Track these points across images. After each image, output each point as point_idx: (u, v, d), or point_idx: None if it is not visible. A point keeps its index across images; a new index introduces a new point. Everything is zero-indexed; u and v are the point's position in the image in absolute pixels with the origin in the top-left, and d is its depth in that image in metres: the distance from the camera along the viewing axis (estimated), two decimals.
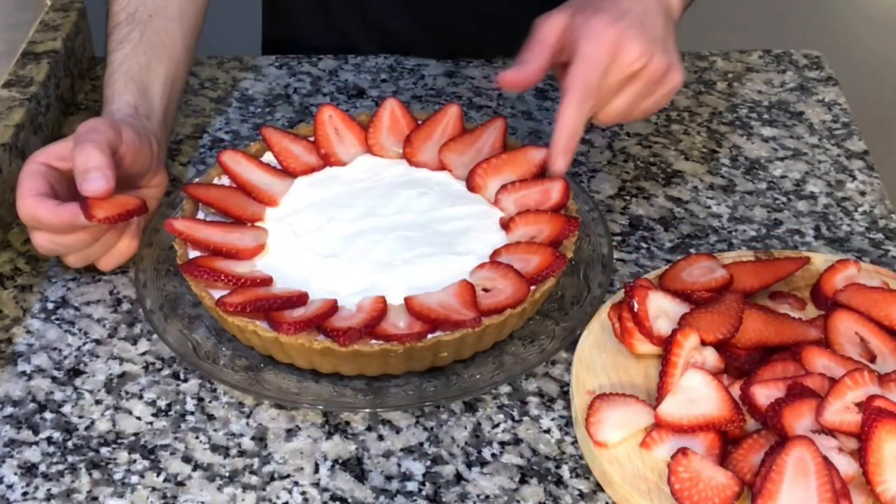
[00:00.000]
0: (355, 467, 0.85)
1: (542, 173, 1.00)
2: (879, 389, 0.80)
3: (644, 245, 1.05)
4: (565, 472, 0.84)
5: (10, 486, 0.84)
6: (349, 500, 0.83)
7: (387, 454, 0.86)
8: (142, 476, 0.84)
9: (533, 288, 0.90)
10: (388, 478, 0.84)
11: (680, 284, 0.92)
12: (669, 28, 0.97)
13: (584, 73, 0.92)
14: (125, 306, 0.99)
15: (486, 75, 1.27)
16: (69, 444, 0.87)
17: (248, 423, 0.88)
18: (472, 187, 1.01)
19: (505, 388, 0.91)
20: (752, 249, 1.03)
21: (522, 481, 0.84)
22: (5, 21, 1.19)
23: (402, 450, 0.86)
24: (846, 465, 0.77)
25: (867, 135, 1.20)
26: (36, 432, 0.88)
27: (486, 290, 0.90)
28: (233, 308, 0.87)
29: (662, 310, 0.89)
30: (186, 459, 0.86)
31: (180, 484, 0.84)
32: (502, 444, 0.87)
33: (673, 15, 0.99)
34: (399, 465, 0.85)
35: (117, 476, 0.84)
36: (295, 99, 1.24)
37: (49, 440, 0.87)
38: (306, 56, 1.31)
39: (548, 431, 0.87)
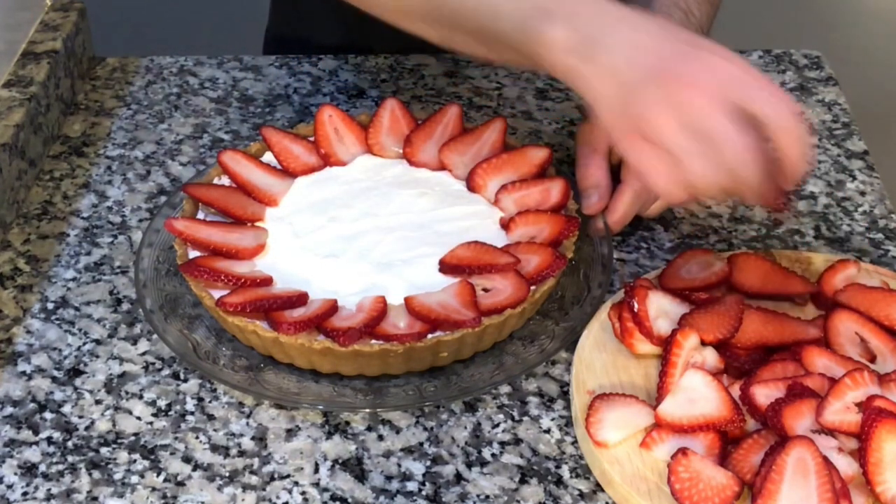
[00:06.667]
0: (355, 467, 0.85)
1: (542, 173, 1.00)
2: (879, 389, 0.80)
3: (644, 245, 1.04)
4: (565, 472, 0.84)
5: (10, 486, 0.84)
6: (349, 500, 0.83)
7: (387, 454, 0.86)
8: (142, 476, 0.84)
9: (533, 288, 0.90)
10: (388, 478, 0.84)
11: (679, 282, 0.92)
12: None
13: None
14: (125, 306, 0.99)
15: (486, 75, 1.27)
16: (69, 444, 0.87)
17: (248, 423, 0.88)
18: (472, 187, 1.01)
19: (505, 388, 0.91)
20: (752, 249, 1.03)
21: (522, 481, 0.84)
22: (5, 21, 1.19)
23: (402, 450, 0.86)
24: (846, 465, 0.77)
25: (867, 135, 1.20)
26: (36, 432, 0.88)
27: (485, 290, 0.90)
28: (233, 308, 0.87)
29: (662, 310, 0.89)
30: (186, 459, 0.86)
31: (180, 484, 0.84)
32: (502, 444, 0.86)
33: None
34: (399, 465, 0.85)
35: (117, 476, 0.84)
36: (295, 99, 1.24)
37: (49, 440, 0.87)
38: (306, 56, 1.31)
39: (548, 431, 0.87)
